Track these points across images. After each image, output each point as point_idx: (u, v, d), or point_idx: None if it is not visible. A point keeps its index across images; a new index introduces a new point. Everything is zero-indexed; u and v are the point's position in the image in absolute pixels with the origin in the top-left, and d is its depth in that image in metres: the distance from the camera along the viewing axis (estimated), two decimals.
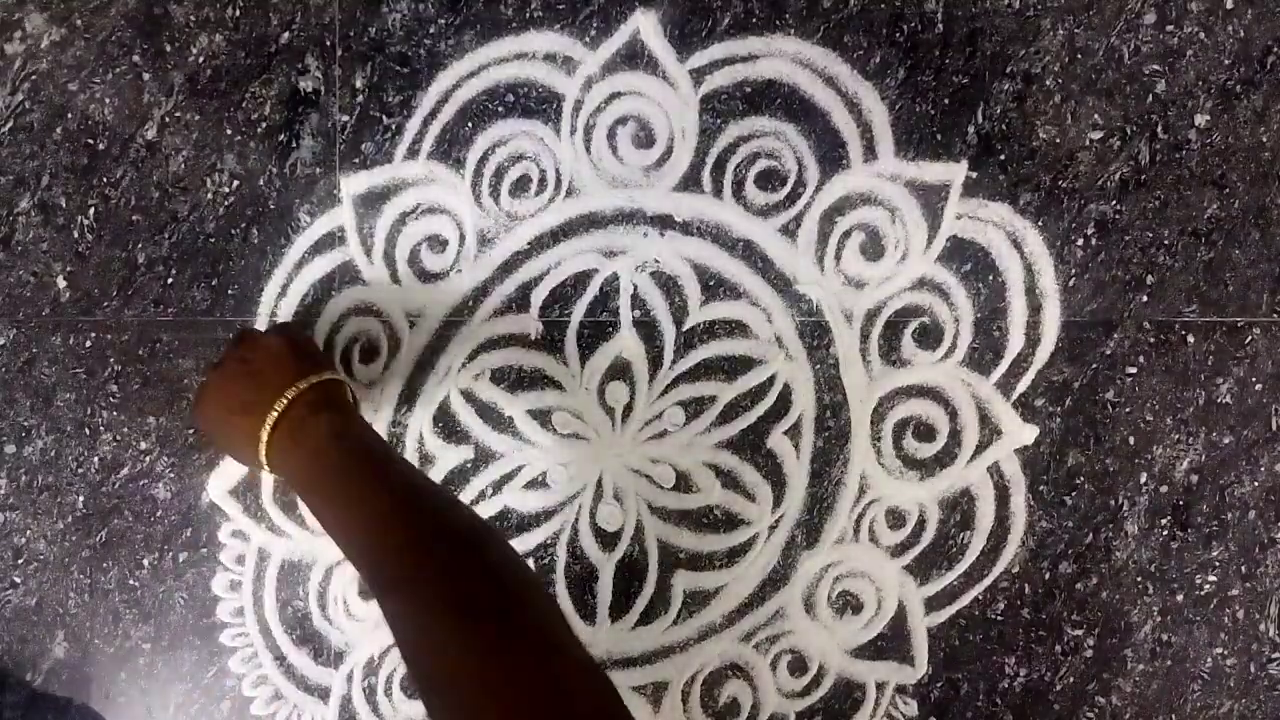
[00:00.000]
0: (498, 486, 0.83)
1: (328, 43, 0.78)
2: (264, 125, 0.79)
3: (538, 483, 0.83)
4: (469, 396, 0.82)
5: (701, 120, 0.80)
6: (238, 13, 0.78)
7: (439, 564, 0.53)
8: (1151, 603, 0.85)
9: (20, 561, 0.82)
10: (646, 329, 0.81)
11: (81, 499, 0.82)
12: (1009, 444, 0.83)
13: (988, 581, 0.84)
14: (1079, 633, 0.85)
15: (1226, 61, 0.80)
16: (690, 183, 0.80)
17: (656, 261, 0.81)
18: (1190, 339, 0.82)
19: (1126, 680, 0.85)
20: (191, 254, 0.80)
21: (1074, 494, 0.83)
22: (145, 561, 0.83)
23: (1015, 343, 0.82)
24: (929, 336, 0.82)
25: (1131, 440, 0.83)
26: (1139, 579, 0.84)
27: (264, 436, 0.64)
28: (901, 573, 0.84)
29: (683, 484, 0.83)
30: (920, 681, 0.85)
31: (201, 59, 0.78)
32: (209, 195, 0.80)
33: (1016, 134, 0.80)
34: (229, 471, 0.82)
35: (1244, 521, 0.84)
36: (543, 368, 0.82)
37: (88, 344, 0.81)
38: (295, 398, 0.65)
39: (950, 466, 0.83)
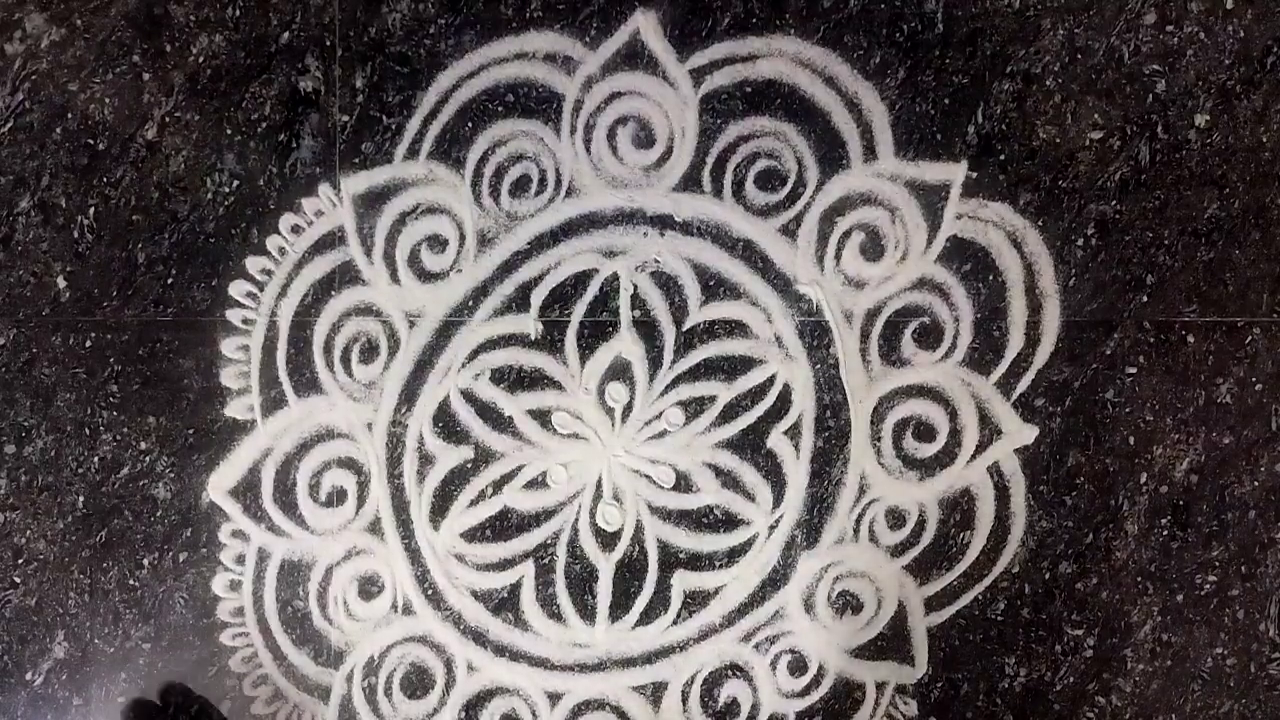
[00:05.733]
0: (498, 486, 0.83)
1: (328, 43, 0.78)
2: (264, 125, 0.79)
3: (538, 483, 0.83)
4: (469, 396, 0.82)
5: (701, 120, 0.80)
6: (238, 13, 0.78)
7: None
8: (1151, 603, 0.85)
9: (20, 561, 0.83)
10: (646, 329, 0.81)
11: (81, 499, 0.82)
12: (1009, 444, 0.83)
13: (988, 581, 0.84)
14: (1079, 633, 0.85)
15: (1226, 61, 0.80)
16: (690, 183, 0.80)
17: (656, 261, 0.81)
18: (1190, 339, 0.82)
19: (1126, 680, 0.85)
20: (191, 254, 0.80)
21: (1074, 494, 0.83)
22: (145, 561, 0.83)
23: (1015, 343, 0.82)
24: (929, 336, 0.82)
25: (1131, 440, 0.83)
26: (1139, 579, 0.84)
27: None
28: (901, 573, 0.84)
29: (683, 484, 0.83)
30: (920, 681, 0.84)
31: (201, 59, 0.78)
32: (209, 195, 0.80)
33: (1016, 134, 0.80)
34: (229, 471, 0.82)
35: (1244, 521, 0.84)
36: (543, 368, 0.82)
37: (88, 344, 0.81)
38: None
39: (950, 466, 0.83)
